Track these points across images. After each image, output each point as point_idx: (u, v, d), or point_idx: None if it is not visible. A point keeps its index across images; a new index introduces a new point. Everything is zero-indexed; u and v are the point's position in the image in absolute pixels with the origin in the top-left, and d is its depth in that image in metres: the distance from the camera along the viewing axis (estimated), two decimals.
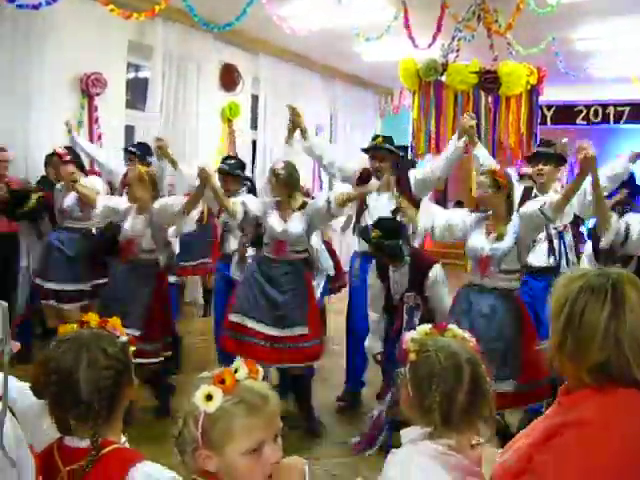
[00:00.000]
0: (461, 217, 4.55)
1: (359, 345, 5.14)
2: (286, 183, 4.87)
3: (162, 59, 8.23)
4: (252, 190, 5.92)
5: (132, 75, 8.59)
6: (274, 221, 4.87)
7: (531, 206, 4.35)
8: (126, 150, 6.87)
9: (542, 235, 4.93)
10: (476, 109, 6.32)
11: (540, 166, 5.23)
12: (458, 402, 1.83)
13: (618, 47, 9.50)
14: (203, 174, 4.74)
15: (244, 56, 9.75)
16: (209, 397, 1.57)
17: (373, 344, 4.84)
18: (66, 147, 6.11)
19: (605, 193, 4.63)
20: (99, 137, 7.51)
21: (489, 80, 6.28)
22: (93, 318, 1.89)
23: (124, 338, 1.88)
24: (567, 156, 5.87)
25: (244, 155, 9.49)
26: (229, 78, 9.52)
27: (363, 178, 5.30)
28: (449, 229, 4.51)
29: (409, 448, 1.86)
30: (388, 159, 5.35)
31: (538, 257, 5.00)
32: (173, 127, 8.48)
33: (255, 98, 10.21)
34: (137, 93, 8.61)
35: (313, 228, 5.05)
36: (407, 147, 6.04)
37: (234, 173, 5.74)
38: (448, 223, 4.52)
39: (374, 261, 4.83)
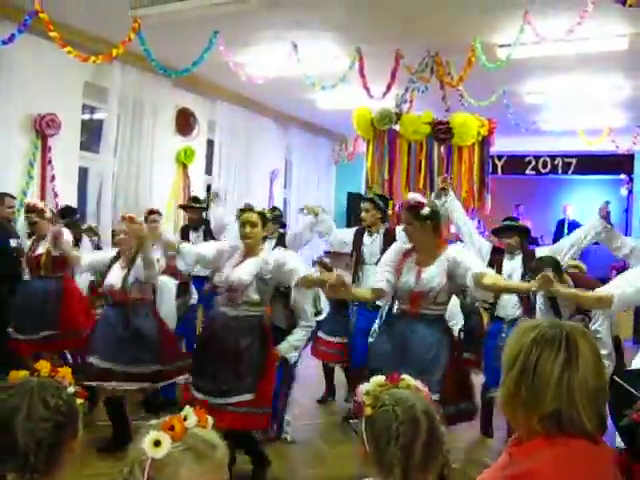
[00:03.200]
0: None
1: None
2: None
3: (118, 102, 8.21)
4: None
5: (87, 117, 8.55)
6: None
7: (469, 262, 4.18)
8: None
9: None
10: (429, 159, 6.45)
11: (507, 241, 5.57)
12: (416, 455, 1.81)
13: (565, 102, 9.81)
14: None
15: (200, 101, 9.79)
16: (157, 443, 1.52)
17: None
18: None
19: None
20: (52, 179, 7.43)
21: (442, 130, 6.42)
22: (44, 366, 1.84)
23: (71, 389, 1.84)
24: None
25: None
26: (185, 123, 9.54)
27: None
28: None
29: None
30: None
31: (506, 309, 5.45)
32: (127, 170, 8.44)
33: (210, 143, 10.23)
34: (92, 135, 8.56)
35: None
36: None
37: None
38: None
39: None
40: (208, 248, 4.74)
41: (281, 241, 6.83)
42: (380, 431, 1.84)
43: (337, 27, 6.97)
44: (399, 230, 5.45)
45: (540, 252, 5.42)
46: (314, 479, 4.81)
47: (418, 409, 1.86)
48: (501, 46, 7.10)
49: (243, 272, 4.39)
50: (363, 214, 6.11)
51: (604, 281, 4.11)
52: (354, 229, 6.31)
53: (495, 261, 5.49)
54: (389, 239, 5.62)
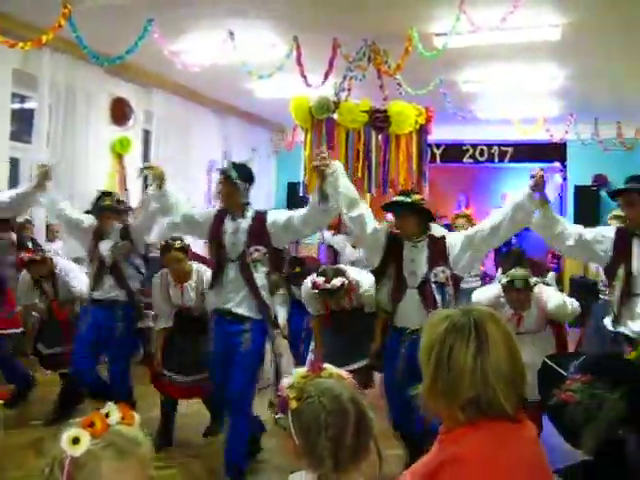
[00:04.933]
0: None
1: None
2: None
3: (49, 90, 7.97)
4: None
5: (17, 106, 8.30)
6: None
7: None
8: None
9: None
10: (367, 147, 6.45)
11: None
12: (347, 445, 1.78)
13: (501, 91, 9.95)
14: None
15: (136, 90, 9.60)
16: (76, 440, 1.47)
17: None
18: None
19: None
20: None
21: (379, 119, 6.42)
22: None
23: None
24: None
25: (135, 190, 9.35)
26: (120, 112, 9.33)
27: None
28: None
29: None
30: None
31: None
32: (61, 160, 8.21)
33: (147, 133, 10.05)
34: (22, 125, 8.31)
35: None
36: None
37: None
38: None
39: None
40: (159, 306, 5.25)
41: (126, 235, 5.26)
42: (308, 423, 1.79)
43: (274, 15, 6.90)
44: (272, 215, 4.44)
45: (452, 238, 4.30)
46: None
47: (345, 398, 1.82)
48: (437, 35, 7.15)
49: (193, 298, 5.08)
50: (223, 192, 4.50)
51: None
52: (215, 210, 4.65)
53: (394, 251, 4.32)
54: (258, 226, 4.40)
